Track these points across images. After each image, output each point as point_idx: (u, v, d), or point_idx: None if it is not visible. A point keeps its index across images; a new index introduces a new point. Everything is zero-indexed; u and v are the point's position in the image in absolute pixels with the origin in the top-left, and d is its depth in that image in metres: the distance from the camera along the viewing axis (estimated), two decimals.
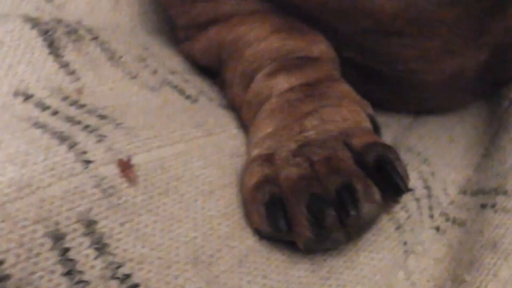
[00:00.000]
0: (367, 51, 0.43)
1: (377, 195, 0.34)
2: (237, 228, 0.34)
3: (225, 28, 0.43)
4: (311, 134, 0.37)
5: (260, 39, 0.41)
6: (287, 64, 0.40)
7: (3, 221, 0.27)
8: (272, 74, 0.40)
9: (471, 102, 0.53)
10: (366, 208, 0.33)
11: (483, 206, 0.41)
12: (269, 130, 0.38)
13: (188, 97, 0.42)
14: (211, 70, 0.46)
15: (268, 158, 0.37)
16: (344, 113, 0.38)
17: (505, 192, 0.42)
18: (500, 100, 0.53)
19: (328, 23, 0.42)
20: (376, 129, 0.40)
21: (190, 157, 0.36)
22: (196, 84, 0.44)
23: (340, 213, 0.33)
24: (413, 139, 0.47)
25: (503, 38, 0.44)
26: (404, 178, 0.35)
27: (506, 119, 0.52)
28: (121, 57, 0.41)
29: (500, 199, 0.41)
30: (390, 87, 0.46)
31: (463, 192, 0.44)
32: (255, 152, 0.38)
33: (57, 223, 0.28)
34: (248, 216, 0.35)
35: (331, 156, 0.35)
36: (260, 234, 0.35)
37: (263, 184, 0.35)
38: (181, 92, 0.42)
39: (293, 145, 0.37)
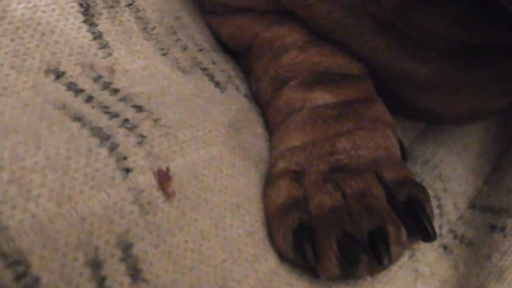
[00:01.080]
0: (394, 97, 0.41)
1: (404, 237, 0.33)
2: (262, 249, 0.33)
3: (261, 23, 0.40)
4: (342, 157, 0.36)
5: (299, 46, 0.39)
6: (325, 78, 0.38)
7: (44, 247, 0.24)
8: (308, 85, 0.38)
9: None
10: (394, 250, 0.33)
11: (492, 227, 0.41)
12: (298, 143, 0.37)
13: (217, 84, 0.39)
14: (235, 51, 0.42)
15: (296, 177, 0.35)
16: (377, 139, 0.37)
17: None
18: None
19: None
20: (403, 155, 0.39)
21: (221, 164, 0.34)
22: (223, 67, 0.40)
23: (370, 255, 0.32)
24: (429, 150, 0.46)
25: None
26: (431, 220, 0.35)
27: None
28: (154, 28, 0.37)
29: (510, 223, 0.41)
30: (407, 111, 0.45)
31: (473, 206, 0.44)
32: (282, 165, 0.36)
33: (96, 248, 0.26)
34: (272, 237, 0.34)
35: (365, 192, 0.34)
36: (282, 257, 0.34)
37: (292, 209, 0.34)
38: (211, 77, 0.39)
39: (323, 167, 0.35)
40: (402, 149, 0.39)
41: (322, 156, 0.36)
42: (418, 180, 0.38)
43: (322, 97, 0.38)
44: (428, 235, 0.34)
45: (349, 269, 0.32)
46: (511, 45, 0.36)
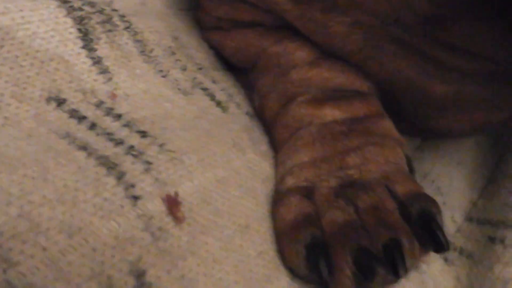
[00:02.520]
0: (405, 110, 0.41)
1: (417, 251, 0.33)
2: (272, 269, 0.33)
3: (269, 37, 0.40)
4: (353, 173, 0.35)
5: (309, 62, 0.38)
6: (335, 95, 0.38)
7: (56, 280, 0.24)
8: (318, 102, 0.38)
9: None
10: (409, 263, 0.33)
11: (491, 239, 0.41)
12: (306, 159, 0.36)
13: (218, 103, 0.38)
14: (237, 66, 0.42)
15: (307, 194, 0.35)
16: (387, 154, 0.37)
17: None
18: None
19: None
20: (411, 169, 0.38)
21: (228, 186, 0.34)
22: (223, 85, 0.40)
23: (387, 268, 0.32)
24: (427, 164, 0.47)
25: None
26: (443, 232, 0.34)
27: None
28: (152, 50, 0.37)
29: (509, 234, 0.41)
30: (413, 129, 0.45)
31: (469, 219, 0.44)
32: (291, 181, 0.36)
33: (110, 278, 0.26)
34: (283, 253, 0.34)
35: (378, 206, 0.34)
36: (293, 273, 0.33)
37: (304, 224, 0.33)
38: (212, 97, 0.38)
39: (333, 182, 0.35)
40: (410, 164, 0.38)
41: (332, 172, 0.35)
42: None
43: (331, 113, 0.37)
44: (442, 247, 0.34)
45: (365, 283, 0.32)
46: None
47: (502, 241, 0.41)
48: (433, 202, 0.35)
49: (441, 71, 0.36)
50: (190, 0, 0.44)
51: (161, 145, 0.31)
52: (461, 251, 0.42)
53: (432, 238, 0.34)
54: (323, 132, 0.37)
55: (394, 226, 0.33)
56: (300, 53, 0.39)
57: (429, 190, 0.44)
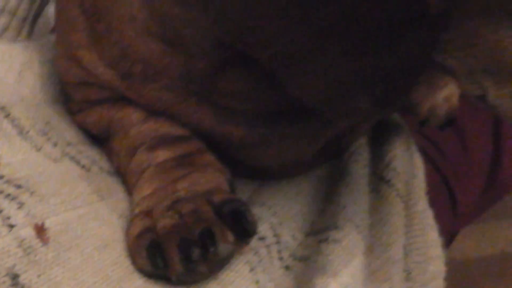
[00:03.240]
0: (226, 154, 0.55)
1: (230, 237, 0.45)
2: (127, 273, 0.44)
3: (114, 108, 0.53)
4: (181, 194, 0.48)
5: (141, 120, 0.52)
6: (165, 141, 0.51)
7: None
8: (152, 148, 0.51)
9: (314, 168, 0.67)
10: (222, 247, 0.44)
11: (321, 241, 0.54)
12: (148, 192, 0.49)
13: (83, 166, 0.51)
14: (100, 138, 0.55)
15: (147, 214, 0.47)
16: (208, 178, 0.50)
17: (336, 227, 0.55)
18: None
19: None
20: (232, 189, 0.52)
21: (89, 219, 0.46)
22: (88, 154, 0.53)
23: (203, 250, 0.43)
24: (265, 195, 0.60)
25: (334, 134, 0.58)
26: (253, 224, 0.47)
27: (343, 168, 0.66)
28: (28, 131, 0.50)
29: (332, 233, 0.54)
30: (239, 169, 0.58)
31: (308, 234, 0.57)
32: (137, 209, 0.48)
33: None
34: (133, 260, 0.45)
35: (196, 209, 0.46)
36: (143, 273, 0.45)
37: (144, 233, 0.45)
38: (77, 162, 0.51)
39: (167, 202, 0.47)
40: (232, 185, 0.52)
41: (166, 196, 0.48)
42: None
43: (163, 154, 0.51)
44: (248, 233, 0.46)
45: (189, 264, 0.43)
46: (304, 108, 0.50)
47: (326, 239, 0.53)
48: (243, 203, 0.48)
49: (232, 116, 0.50)
50: (62, 95, 0.58)
51: (32, 192, 0.44)
52: (300, 259, 0.54)
53: (241, 227, 0.46)
54: (158, 170, 0.50)
55: (208, 220, 0.45)
56: (135, 115, 0.52)
57: (266, 215, 0.57)
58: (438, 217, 0.73)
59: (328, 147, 0.60)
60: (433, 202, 0.73)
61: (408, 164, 0.72)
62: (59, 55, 0.55)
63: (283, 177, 0.63)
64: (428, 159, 0.84)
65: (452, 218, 0.89)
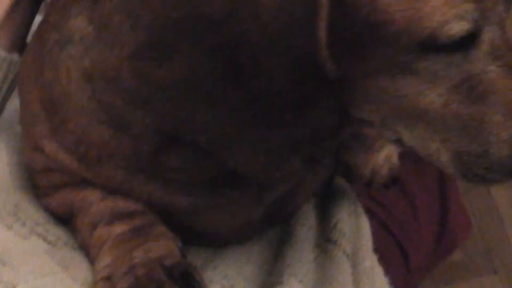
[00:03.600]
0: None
1: None
2: None
3: (75, 191, 0.60)
4: (137, 260, 0.55)
5: (100, 199, 0.59)
6: (120, 215, 0.58)
7: None
8: (110, 223, 0.58)
9: (263, 232, 0.74)
10: None
11: None
12: (108, 261, 0.55)
13: (49, 242, 0.58)
14: (65, 218, 0.62)
15: (108, 279, 0.53)
16: (161, 245, 0.56)
17: (281, 283, 0.62)
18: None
19: None
20: (184, 255, 0.58)
21: (54, 286, 0.52)
22: (54, 231, 0.60)
23: None
24: (218, 261, 0.66)
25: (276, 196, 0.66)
26: (200, 283, 0.53)
27: (290, 232, 0.73)
28: None
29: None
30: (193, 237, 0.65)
31: None
32: (99, 276, 0.55)
33: None
34: None
35: (150, 272, 0.53)
36: None
37: None
38: (45, 239, 0.58)
39: (125, 269, 0.54)
40: (183, 252, 0.58)
41: (124, 263, 0.54)
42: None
43: (120, 228, 0.57)
44: None
45: None
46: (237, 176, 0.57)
47: None
48: (192, 266, 0.54)
49: (178, 187, 0.57)
50: (29, 181, 0.64)
51: (4, 263, 0.50)
52: None
53: (191, 286, 0.53)
54: (116, 241, 0.56)
55: (160, 280, 0.52)
56: (94, 195, 0.59)
57: (217, 277, 0.63)
58: (391, 273, 0.80)
59: (272, 211, 0.67)
60: (385, 260, 0.80)
61: (354, 225, 0.79)
62: (25, 146, 0.62)
63: (234, 243, 0.69)
64: (378, 220, 0.91)
65: (406, 274, 0.95)
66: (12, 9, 0.68)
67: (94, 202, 0.59)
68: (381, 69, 0.46)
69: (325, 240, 0.75)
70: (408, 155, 0.95)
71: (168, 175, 0.56)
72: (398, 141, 0.53)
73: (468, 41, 0.45)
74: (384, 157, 0.79)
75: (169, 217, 0.60)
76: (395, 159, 0.81)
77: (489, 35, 0.46)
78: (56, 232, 0.60)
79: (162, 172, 0.56)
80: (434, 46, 0.44)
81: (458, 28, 0.43)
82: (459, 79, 0.47)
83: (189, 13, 0.43)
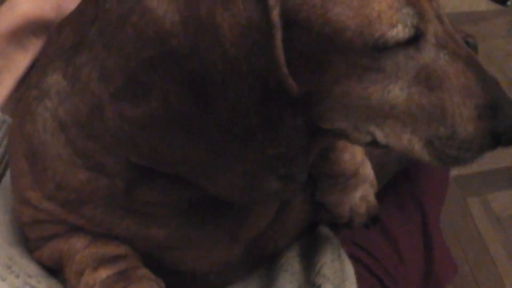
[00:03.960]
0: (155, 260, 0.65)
1: None
2: None
3: (62, 240, 0.63)
4: None
5: (85, 246, 0.62)
6: (104, 261, 0.61)
7: None
8: (95, 268, 0.61)
9: (245, 276, 0.77)
10: None
11: None
12: None
13: None
14: (56, 269, 0.65)
15: None
16: (143, 287, 0.59)
17: None
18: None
19: None
20: None
21: None
22: (46, 282, 0.63)
23: None
24: None
25: (254, 234, 0.69)
26: None
27: (275, 277, 0.76)
28: None
29: None
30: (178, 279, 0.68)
31: None
32: None
33: None
34: None
35: None
36: None
37: None
38: None
39: None
40: None
41: None
42: None
43: (105, 272, 0.60)
44: None
45: None
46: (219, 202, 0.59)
47: None
48: None
49: (154, 220, 0.61)
50: (22, 236, 0.68)
51: None
52: None
53: None
54: (102, 285, 0.59)
55: None
56: (78, 243, 0.62)
57: None
58: None
59: (252, 251, 0.70)
60: None
61: (338, 270, 0.81)
62: (14, 200, 0.66)
63: (218, 285, 0.72)
64: (362, 265, 0.93)
65: None
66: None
67: (79, 250, 0.62)
68: (346, 74, 0.49)
69: (310, 285, 0.77)
70: (392, 200, 0.99)
71: (142, 209, 0.60)
72: (373, 143, 0.55)
73: (416, 36, 0.49)
74: (360, 196, 0.81)
75: (150, 256, 0.63)
76: (371, 197, 0.82)
77: (431, 29, 0.50)
78: (48, 282, 0.63)
79: (137, 206, 0.59)
80: (386, 46, 0.48)
81: (405, 29, 0.47)
82: (415, 71, 0.50)
83: (158, 51, 0.46)
